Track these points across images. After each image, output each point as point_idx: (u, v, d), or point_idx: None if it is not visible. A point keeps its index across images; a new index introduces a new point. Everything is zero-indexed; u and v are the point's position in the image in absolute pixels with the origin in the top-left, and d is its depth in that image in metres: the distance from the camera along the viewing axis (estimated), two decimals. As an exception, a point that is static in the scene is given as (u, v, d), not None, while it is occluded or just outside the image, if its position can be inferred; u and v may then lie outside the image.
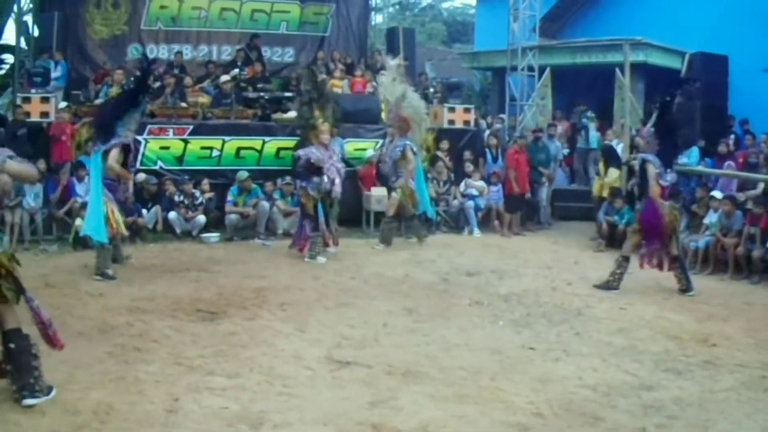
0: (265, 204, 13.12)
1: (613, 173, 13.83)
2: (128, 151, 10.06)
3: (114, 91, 14.29)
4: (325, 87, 12.49)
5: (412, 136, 12.88)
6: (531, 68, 17.78)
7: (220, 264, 10.78)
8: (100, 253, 9.84)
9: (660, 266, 9.84)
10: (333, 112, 12.29)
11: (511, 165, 14.65)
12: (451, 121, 15.79)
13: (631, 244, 9.95)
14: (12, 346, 5.34)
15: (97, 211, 9.76)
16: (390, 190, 13.08)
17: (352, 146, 14.46)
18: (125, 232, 10.62)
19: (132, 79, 12.90)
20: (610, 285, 9.75)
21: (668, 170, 9.88)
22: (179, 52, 17.00)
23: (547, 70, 17.74)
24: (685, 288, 9.71)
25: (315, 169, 11.19)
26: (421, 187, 13.13)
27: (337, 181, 11.28)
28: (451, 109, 15.91)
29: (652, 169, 9.64)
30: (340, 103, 13.58)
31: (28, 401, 5.26)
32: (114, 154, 9.71)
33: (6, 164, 5.15)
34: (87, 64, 17.10)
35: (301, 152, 11.53)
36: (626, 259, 9.85)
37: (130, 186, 11.01)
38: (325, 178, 11.14)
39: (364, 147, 14.64)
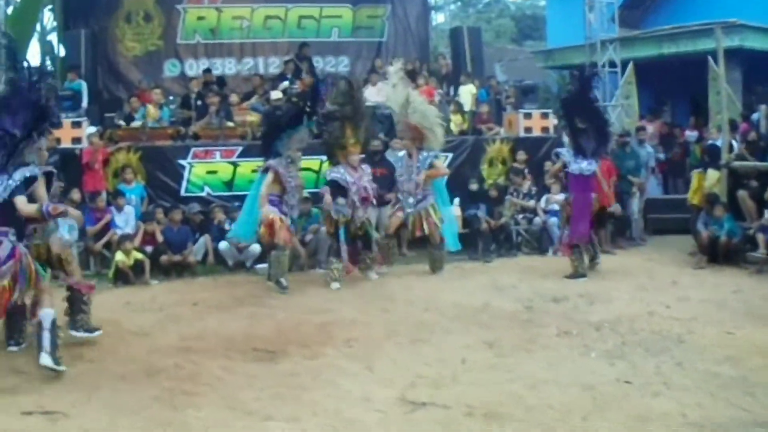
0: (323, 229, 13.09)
1: (713, 176, 13.65)
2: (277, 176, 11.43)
3: (150, 111, 14.58)
4: (362, 103, 12.49)
5: (429, 146, 12.48)
6: (612, 63, 17.67)
7: (277, 297, 10.88)
8: (275, 260, 11.29)
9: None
10: (366, 131, 12.43)
11: None
12: (528, 129, 15.82)
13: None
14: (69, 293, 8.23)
15: (250, 213, 11.77)
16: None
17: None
18: (300, 250, 12.59)
19: (297, 98, 13.57)
20: (578, 273, 11.71)
21: (580, 158, 11.87)
22: (208, 70, 17.15)
23: (630, 65, 17.59)
24: (576, 275, 11.79)
25: (340, 191, 11.68)
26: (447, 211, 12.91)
27: (361, 204, 11.77)
28: (527, 115, 15.94)
29: (558, 163, 12.34)
30: (373, 120, 13.75)
31: (71, 332, 8.12)
32: (269, 179, 11.31)
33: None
34: (120, 83, 17.47)
35: (329, 172, 12.04)
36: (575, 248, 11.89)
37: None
38: (349, 201, 11.66)
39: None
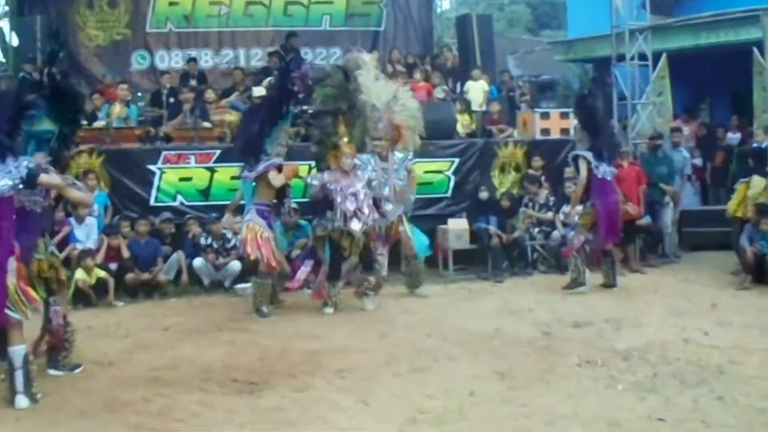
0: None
1: (759, 183, 13.62)
2: (280, 171, 11.33)
3: (116, 109, 14.53)
4: (359, 95, 12.00)
5: (403, 148, 12.49)
6: (643, 56, 17.64)
7: (260, 321, 10.93)
8: (256, 288, 11.38)
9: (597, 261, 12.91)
10: (363, 129, 12.06)
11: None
12: (545, 131, 15.78)
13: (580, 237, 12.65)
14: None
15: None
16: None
17: (422, 168, 14.34)
18: (287, 269, 12.28)
19: (271, 85, 13.36)
20: (576, 283, 12.44)
21: (603, 163, 12.45)
22: (193, 59, 17.20)
23: (663, 57, 17.57)
24: (611, 284, 12.82)
25: (329, 201, 11.45)
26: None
27: (360, 214, 11.35)
28: (545, 115, 15.92)
29: (583, 168, 12.41)
30: (372, 117, 12.56)
31: (50, 371, 8.31)
32: (274, 176, 11.17)
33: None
34: (81, 77, 17.35)
35: (311, 179, 11.87)
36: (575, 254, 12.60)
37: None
38: (338, 213, 11.31)
39: (439, 168, 14.74)
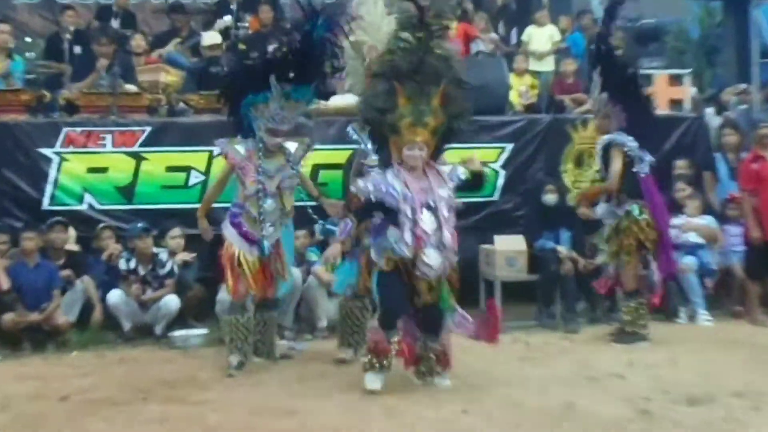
0: (294, 272, 13.00)
1: None
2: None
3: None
4: (436, 46, 10.64)
5: None
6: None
7: (208, 387, 10.79)
8: (227, 326, 11.46)
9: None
10: (449, 101, 10.57)
11: (749, 184, 14.39)
12: (647, 102, 15.74)
13: (632, 274, 12.86)
14: None
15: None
16: None
17: (456, 157, 14.09)
18: (253, 291, 11.48)
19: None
20: (634, 336, 12.64)
21: (646, 153, 12.63)
22: None
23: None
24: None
25: (390, 213, 10.49)
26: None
27: (438, 239, 10.18)
28: (645, 79, 15.77)
29: (618, 160, 12.41)
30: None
31: None
32: (221, 175, 11.57)
33: None
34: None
35: (363, 182, 10.71)
36: (637, 293, 12.85)
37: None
38: (407, 234, 10.13)
39: (482, 159, 14.56)
